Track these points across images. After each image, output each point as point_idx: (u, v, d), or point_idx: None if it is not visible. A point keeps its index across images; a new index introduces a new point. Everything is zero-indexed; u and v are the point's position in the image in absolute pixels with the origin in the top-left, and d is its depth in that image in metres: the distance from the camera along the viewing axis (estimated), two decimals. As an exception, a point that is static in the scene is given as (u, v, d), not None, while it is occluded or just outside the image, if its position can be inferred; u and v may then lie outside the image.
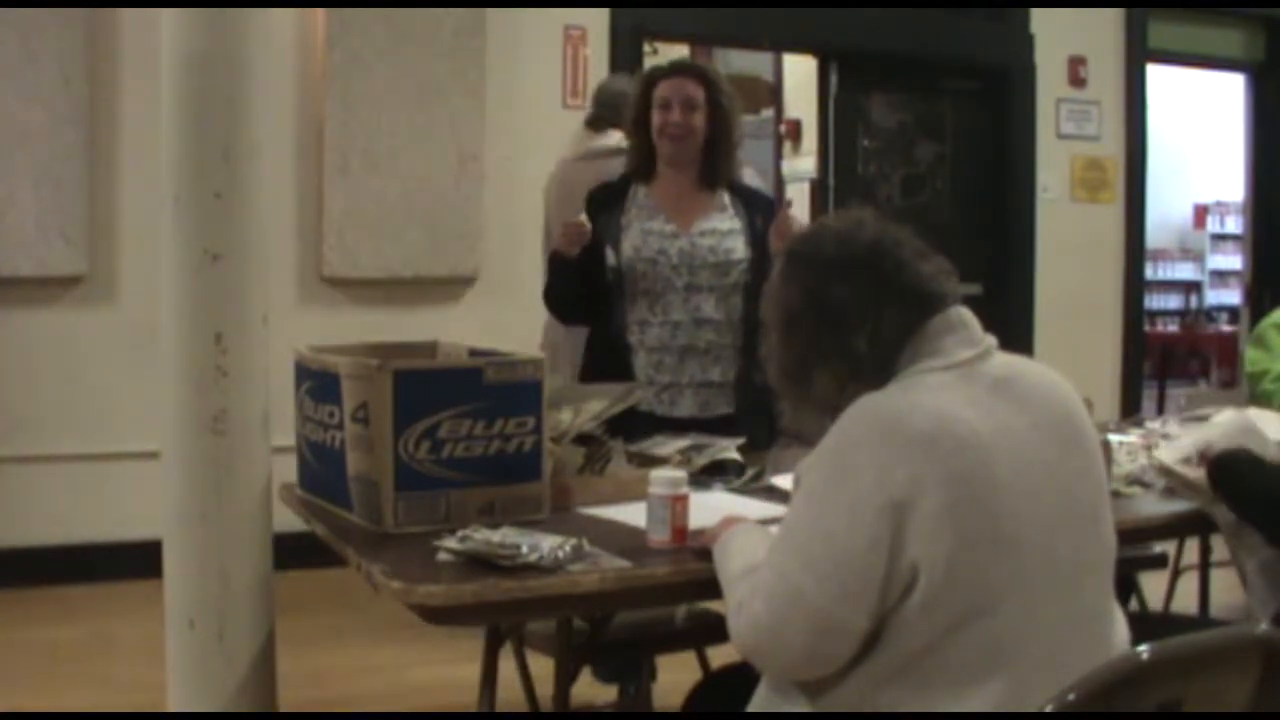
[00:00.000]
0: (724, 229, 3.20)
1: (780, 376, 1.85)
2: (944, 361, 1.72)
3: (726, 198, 3.25)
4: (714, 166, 3.21)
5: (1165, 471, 2.60)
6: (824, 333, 1.77)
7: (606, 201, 3.24)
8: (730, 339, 3.20)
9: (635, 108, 3.24)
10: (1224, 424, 2.74)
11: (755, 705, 1.81)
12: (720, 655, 2.97)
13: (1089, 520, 1.73)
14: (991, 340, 1.78)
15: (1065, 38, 6.58)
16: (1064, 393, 1.78)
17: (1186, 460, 2.58)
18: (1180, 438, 2.78)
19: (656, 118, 3.17)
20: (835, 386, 1.77)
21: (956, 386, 1.69)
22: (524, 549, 1.97)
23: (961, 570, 1.59)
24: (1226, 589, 4.00)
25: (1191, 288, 12.51)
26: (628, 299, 3.17)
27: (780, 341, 1.83)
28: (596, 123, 4.22)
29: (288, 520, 2.57)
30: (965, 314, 1.78)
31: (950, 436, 1.62)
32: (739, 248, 3.19)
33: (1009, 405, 1.69)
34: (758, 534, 1.91)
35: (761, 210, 3.27)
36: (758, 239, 3.20)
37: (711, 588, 1.92)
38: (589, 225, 3.10)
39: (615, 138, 3.93)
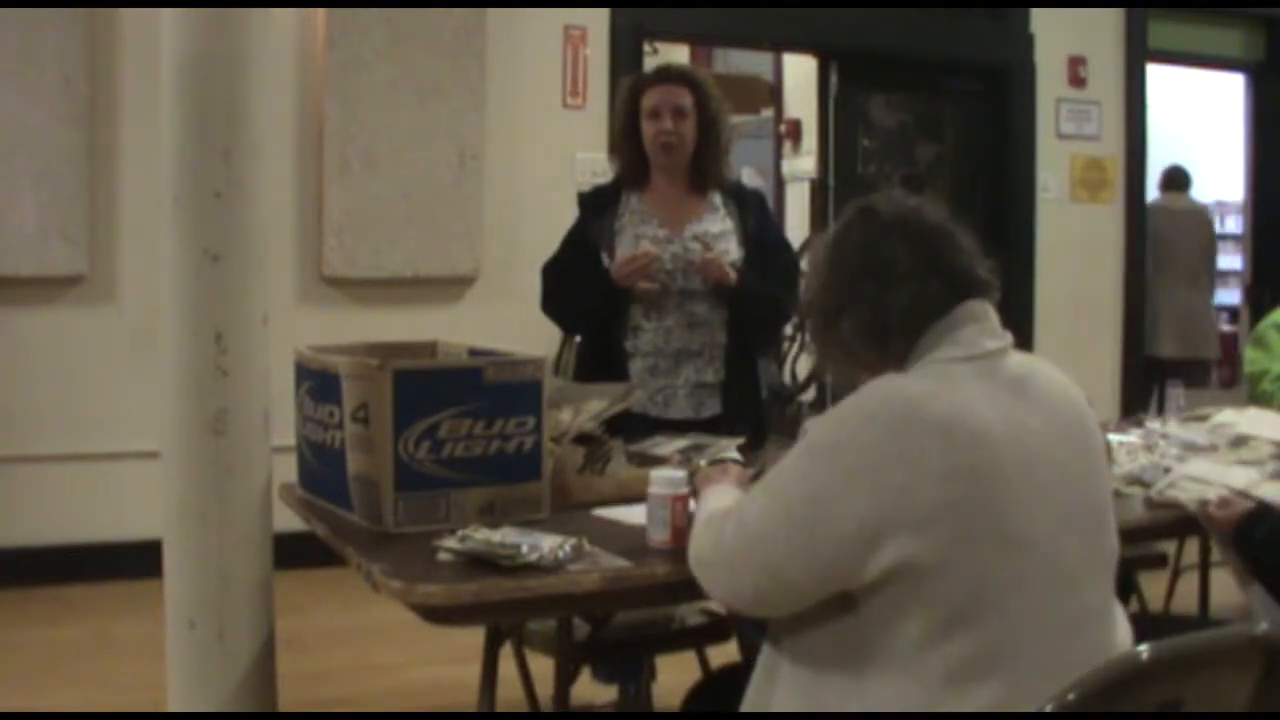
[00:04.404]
0: (716, 231, 3.20)
1: (814, 316, 1.88)
2: (965, 352, 1.72)
3: (718, 198, 3.24)
4: (703, 171, 3.21)
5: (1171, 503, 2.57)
6: (868, 279, 1.78)
7: (599, 207, 3.24)
8: (723, 339, 3.20)
9: (622, 116, 3.23)
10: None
11: (747, 705, 1.81)
12: (720, 655, 2.97)
13: (1095, 522, 1.74)
14: (1010, 337, 1.79)
15: (1065, 37, 6.58)
16: (1074, 394, 1.80)
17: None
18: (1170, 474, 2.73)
19: (647, 127, 3.17)
20: (861, 336, 1.78)
21: (976, 380, 1.70)
22: (524, 549, 1.97)
23: (960, 564, 1.59)
24: (1226, 589, 4.00)
25: (1191, 287, 12.46)
26: (621, 304, 3.16)
27: (822, 282, 1.85)
28: None
29: (288, 520, 2.56)
30: (989, 306, 1.80)
31: (963, 429, 1.62)
32: (731, 248, 3.19)
33: (1025, 404, 1.70)
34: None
35: (753, 208, 3.27)
36: (750, 237, 3.20)
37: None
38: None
39: None
